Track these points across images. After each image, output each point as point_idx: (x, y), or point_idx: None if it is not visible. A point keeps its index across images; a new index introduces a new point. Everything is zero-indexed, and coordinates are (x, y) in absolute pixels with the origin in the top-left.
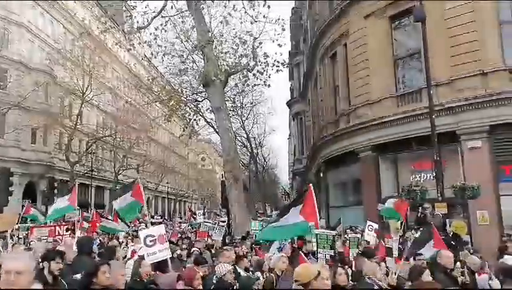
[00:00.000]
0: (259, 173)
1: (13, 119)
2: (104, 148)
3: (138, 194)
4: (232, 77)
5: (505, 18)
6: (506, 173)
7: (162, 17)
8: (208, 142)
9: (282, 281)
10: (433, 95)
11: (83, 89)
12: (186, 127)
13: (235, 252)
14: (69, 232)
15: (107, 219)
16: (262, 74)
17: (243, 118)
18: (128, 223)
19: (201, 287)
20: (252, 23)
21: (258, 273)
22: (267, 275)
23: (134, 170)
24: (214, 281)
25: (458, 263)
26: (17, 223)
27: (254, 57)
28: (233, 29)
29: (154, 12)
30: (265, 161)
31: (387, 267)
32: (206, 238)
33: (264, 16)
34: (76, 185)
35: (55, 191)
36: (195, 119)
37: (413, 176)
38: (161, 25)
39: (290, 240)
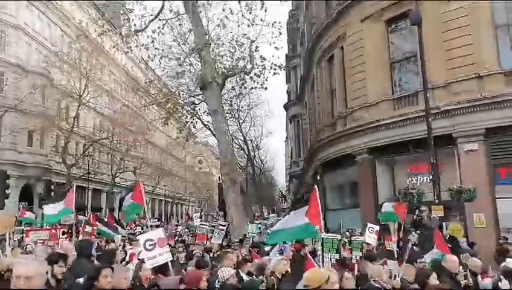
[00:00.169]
0: (256, 175)
1: (10, 122)
2: (101, 151)
3: (139, 197)
4: (229, 79)
5: (501, 21)
6: (502, 176)
7: (159, 20)
8: (205, 145)
9: (284, 284)
10: (430, 98)
11: (80, 92)
12: (183, 130)
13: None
14: (66, 235)
15: (101, 222)
16: (259, 76)
17: (240, 121)
18: (125, 226)
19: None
20: (249, 26)
21: (261, 277)
22: (268, 278)
23: (132, 173)
24: (217, 286)
25: (460, 267)
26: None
27: (251, 60)
28: (231, 32)
29: (151, 15)
30: (262, 163)
31: (390, 270)
32: (205, 242)
33: (261, 19)
34: (74, 187)
35: (52, 193)
36: (192, 122)
37: (410, 179)
38: (158, 27)
39: (290, 243)
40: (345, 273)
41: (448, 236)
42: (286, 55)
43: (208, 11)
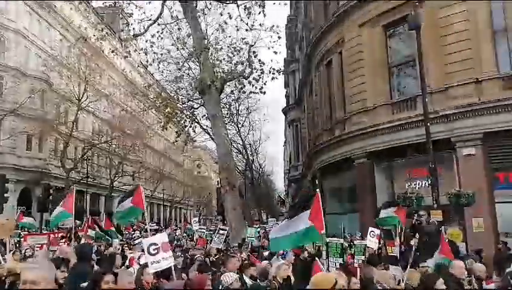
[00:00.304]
0: (255, 179)
1: (9, 126)
2: (99, 155)
3: (139, 201)
4: (228, 83)
5: (499, 26)
6: (501, 181)
7: (158, 24)
8: (203, 149)
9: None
10: (428, 103)
11: (79, 96)
12: (181, 133)
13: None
14: (64, 239)
15: (98, 225)
16: (257, 81)
17: (239, 125)
18: (122, 230)
19: None
20: (247, 30)
21: (266, 282)
22: (271, 282)
23: (130, 177)
24: None
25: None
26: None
27: (250, 64)
28: (229, 36)
29: (150, 19)
30: (261, 167)
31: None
32: (205, 246)
33: (260, 24)
34: (74, 191)
35: (50, 197)
36: (191, 126)
37: (409, 183)
38: (157, 32)
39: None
40: (352, 278)
41: (447, 241)
42: (285, 59)
43: (206, 16)
